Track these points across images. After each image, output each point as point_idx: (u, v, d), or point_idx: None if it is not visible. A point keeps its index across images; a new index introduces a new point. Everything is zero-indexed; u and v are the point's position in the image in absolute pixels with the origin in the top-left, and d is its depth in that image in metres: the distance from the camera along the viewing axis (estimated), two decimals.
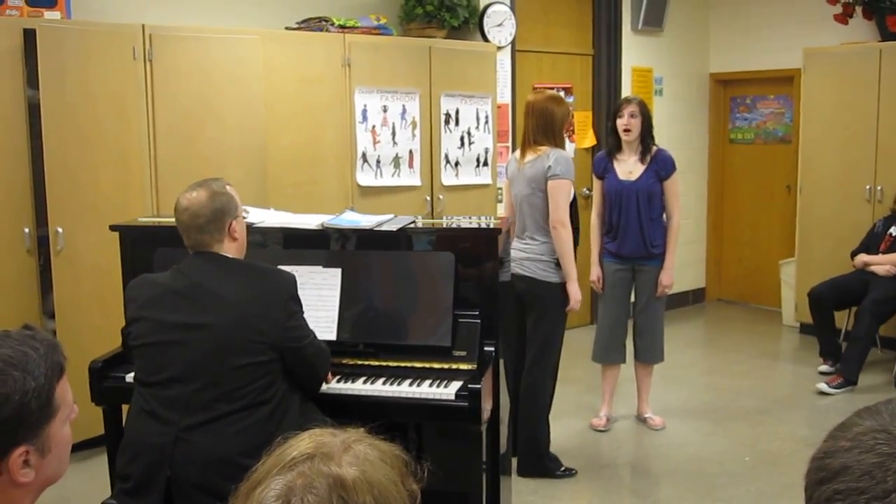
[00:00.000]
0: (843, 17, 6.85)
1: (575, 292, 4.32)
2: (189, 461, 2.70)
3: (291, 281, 2.93)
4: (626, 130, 4.87)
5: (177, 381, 2.76)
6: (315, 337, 2.98)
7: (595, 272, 5.06)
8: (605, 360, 5.14)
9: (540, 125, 4.37)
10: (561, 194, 4.26)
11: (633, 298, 5.14)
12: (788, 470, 4.54)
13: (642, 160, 4.90)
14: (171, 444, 2.71)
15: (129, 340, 2.94)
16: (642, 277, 5.00)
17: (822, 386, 5.74)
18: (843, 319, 6.38)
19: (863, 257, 6.17)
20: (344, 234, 3.52)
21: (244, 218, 3.04)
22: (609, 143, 5.07)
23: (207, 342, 2.76)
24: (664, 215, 4.97)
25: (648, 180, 4.88)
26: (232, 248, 2.93)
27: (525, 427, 4.46)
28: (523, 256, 4.36)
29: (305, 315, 2.97)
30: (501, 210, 6.47)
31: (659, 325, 5.10)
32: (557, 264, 4.33)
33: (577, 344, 6.64)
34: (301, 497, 1.06)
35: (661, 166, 4.91)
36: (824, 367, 6.13)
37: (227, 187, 2.95)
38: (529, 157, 4.38)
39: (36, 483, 1.50)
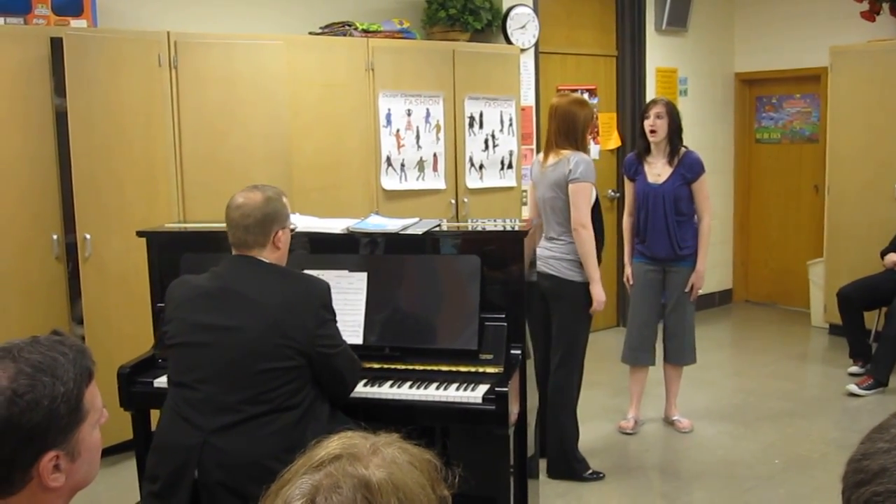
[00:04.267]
0: (870, 15, 6.79)
1: (598, 293, 4.31)
2: (216, 463, 2.72)
3: (325, 289, 2.94)
4: (652, 131, 4.86)
5: (206, 382, 2.79)
6: (347, 348, 2.98)
7: (629, 271, 5.08)
8: (634, 362, 5.11)
9: (562, 128, 4.37)
10: (581, 197, 4.26)
11: (663, 300, 5.12)
12: (819, 472, 4.50)
13: (670, 162, 4.89)
14: (200, 446, 2.73)
15: (164, 340, 2.97)
16: (672, 279, 4.98)
17: (852, 387, 5.68)
18: (872, 320, 6.31)
19: (892, 257, 6.10)
20: (369, 238, 3.53)
21: (291, 230, 3.06)
22: (639, 145, 5.06)
23: (237, 345, 2.78)
24: (695, 217, 4.95)
25: (675, 183, 4.87)
26: (273, 257, 2.95)
27: (553, 428, 4.45)
28: (549, 255, 4.37)
29: None
30: (526, 212, 6.47)
31: (689, 327, 5.07)
32: (581, 264, 4.33)
33: (605, 346, 6.62)
34: (326, 497, 1.06)
35: (687, 169, 4.88)
36: (854, 369, 6.06)
37: (284, 198, 3.00)
38: (552, 160, 4.38)
39: (66, 488, 1.50)
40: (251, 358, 2.76)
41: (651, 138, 4.88)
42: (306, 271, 3.24)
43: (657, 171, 4.91)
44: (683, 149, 4.93)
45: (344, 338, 3.11)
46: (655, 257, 4.96)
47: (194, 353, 2.83)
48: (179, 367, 2.87)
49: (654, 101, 4.99)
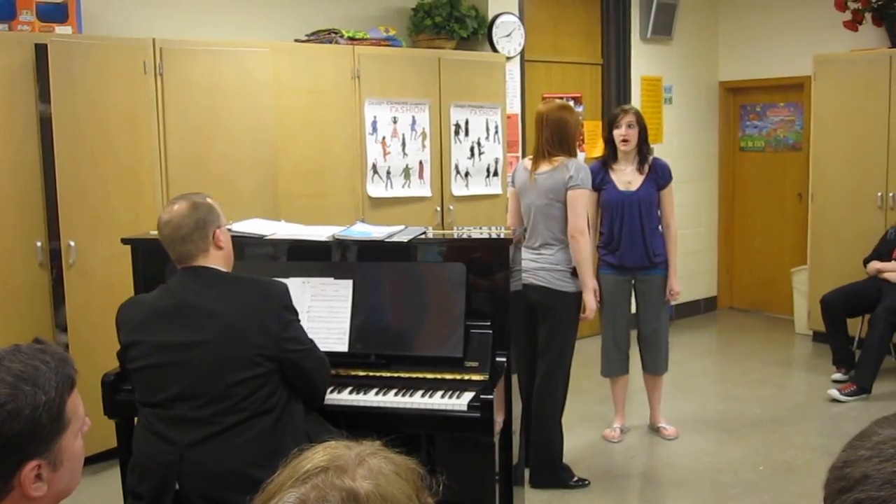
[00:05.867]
0: (853, 24, 6.84)
1: (590, 301, 4.32)
2: (196, 476, 2.69)
3: (283, 290, 2.89)
4: (625, 141, 4.85)
5: (177, 400, 2.74)
6: (315, 347, 2.94)
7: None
8: (611, 374, 5.11)
9: (554, 136, 4.35)
10: (580, 203, 4.26)
11: (633, 310, 5.11)
12: (803, 479, 4.52)
13: (640, 170, 4.89)
14: (178, 462, 2.70)
15: (125, 364, 2.93)
16: (645, 287, 4.97)
17: (834, 393, 5.71)
18: (856, 327, 6.34)
19: (875, 264, 6.14)
20: (355, 246, 3.52)
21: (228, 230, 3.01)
22: (604, 154, 5.04)
23: (204, 360, 2.73)
24: (660, 225, 4.95)
25: (649, 189, 4.87)
26: (218, 258, 2.89)
27: (538, 437, 4.44)
28: (536, 266, 4.34)
29: (318, 327, 2.95)
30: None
31: (665, 336, 5.07)
32: (573, 274, 4.32)
33: (589, 354, 6.61)
34: None
35: (660, 175, 4.90)
36: (838, 375, 6.10)
37: (208, 199, 2.93)
38: (544, 168, 4.35)
39: (49, 497, 1.50)
40: (220, 371, 2.71)
41: (623, 147, 4.87)
42: (291, 279, 3.24)
43: (627, 178, 4.90)
44: (651, 156, 4.95)
45: (329, 345, 3.10)
46: (627, 267, 4.92)
47: (160, 374, 2.77)
48: (148, 389, 2.81)
49: (623, 111, 4.95)
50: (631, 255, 4.88)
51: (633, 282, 4.98)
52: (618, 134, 4.87)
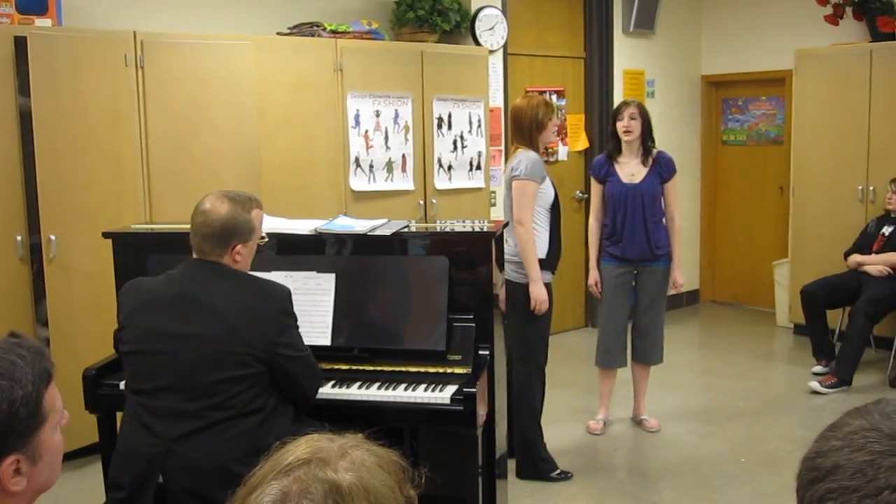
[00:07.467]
0: (834, 18, 6.88)
1: (535, 292, 4.28)
2: (181, 470, 2.69)
3: (285, 295, 2.89)
4: (627, 132, 4.88)
5: (165, 390, 2.74)
6: (309, 355, 2.94)
7: (594, 276, 5.05)
8: (610, 365, 5.11)
9: (512, 128, 4.50)
10: (522, 194, 4.29)
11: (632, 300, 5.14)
12: (784, 470, 4.54)
13: (644, 163, 4.92)
14: (163, 454, 2.70)
15: (119, 346, 2.92)
16: (646, 279, 5.00)
17: (815, 385, 5.75)
18: (836, 319, 6.38)
19: (856, 257, 6.18)
20: (338, 239, 3.52)
21: (261, 241, 3.00)
22: (609, 147, 5.08)
23: (194, 352, 2.73)
24: (664, 217, 4.98)
25: (652, 182, 4.90)
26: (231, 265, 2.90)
27: (517, 429, 4.45)
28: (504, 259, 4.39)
29: (301, 320, 2.94)
30: (495, 213, 6.49)
31: (661, 326, 5.11)
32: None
33: (573, 347, 6.65)
34: (296, 502, 1.06)
35: (663, 168, 4.93)
36: (818, 368, 6.13)
37: (254, 211, 2.91)
38: (510, 160, 4.45)
39: (28, 491, 1.49)
40: (209, 366, 2.71)
41: (625, 138, 4.90)
42: (274, 273, 3.23)
43: (631, 171, 4.93)
44: (655, 149, 4.98)
45: (312, 339, 3.09)
46: (628, 258, 4.96)
47: (151, 361, 2.78)
48: (136, 374, 2.82)
49: (625, 103, 5.00)
50: (633, 246, 4.92)
51: (635, 273, 5.01)
52: (620, 126, 4.90)
